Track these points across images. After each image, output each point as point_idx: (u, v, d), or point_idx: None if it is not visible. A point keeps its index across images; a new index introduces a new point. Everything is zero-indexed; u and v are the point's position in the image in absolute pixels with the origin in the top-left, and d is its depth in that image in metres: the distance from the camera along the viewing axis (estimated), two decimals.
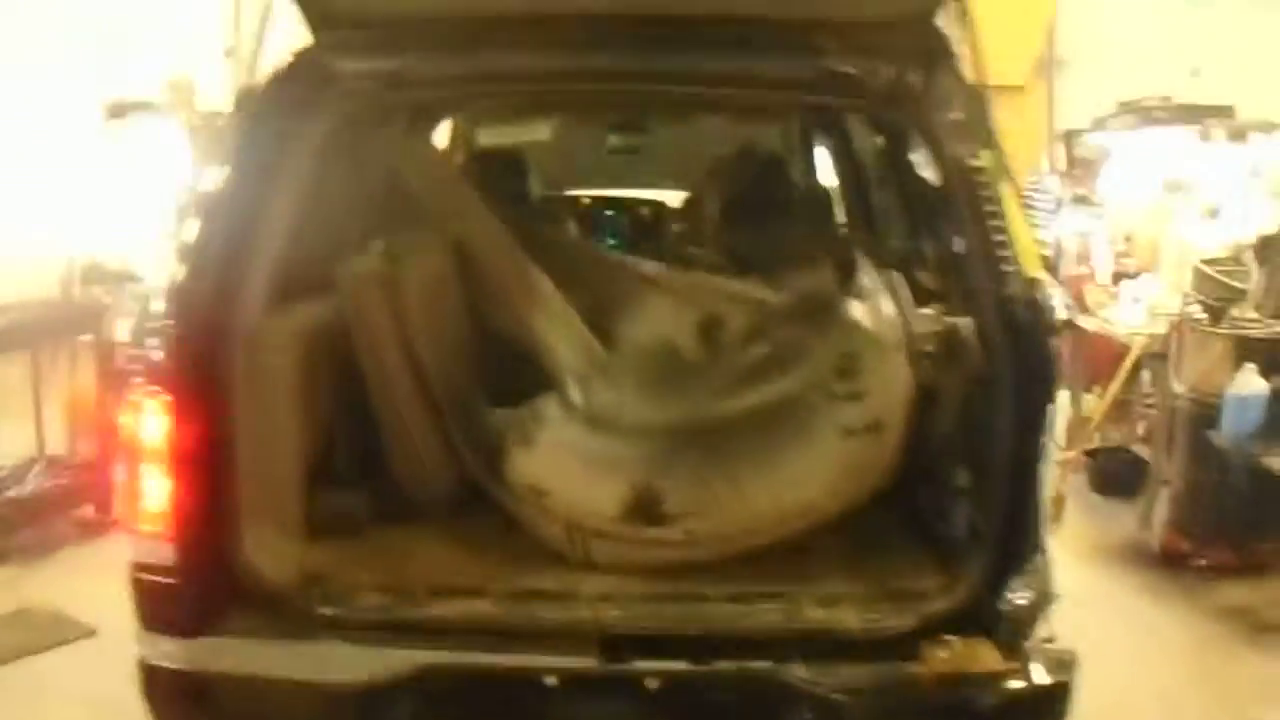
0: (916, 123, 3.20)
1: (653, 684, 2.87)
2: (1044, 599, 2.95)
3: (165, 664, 2.95)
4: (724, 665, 2.90)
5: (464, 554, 3.37)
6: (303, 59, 3.13)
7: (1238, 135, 7.38)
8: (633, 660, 2.92)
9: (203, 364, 3.00)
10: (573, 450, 3.33)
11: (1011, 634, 2.93)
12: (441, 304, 3.64)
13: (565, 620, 3.04)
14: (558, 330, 3.63)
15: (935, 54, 3.10)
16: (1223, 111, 7.97)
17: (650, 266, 4.01)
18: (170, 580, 2.97)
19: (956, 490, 3.22)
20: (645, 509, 3.21)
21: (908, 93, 3.09)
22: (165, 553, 2.96)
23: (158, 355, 3.00)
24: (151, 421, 2.96)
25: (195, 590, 2.98)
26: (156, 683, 2.97)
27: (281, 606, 3.04)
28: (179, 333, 2.96)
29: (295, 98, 3.11)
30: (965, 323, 3.15)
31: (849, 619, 3.00)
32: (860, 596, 3.10)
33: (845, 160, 4.61)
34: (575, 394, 3.44)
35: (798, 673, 2.87)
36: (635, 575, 3.21)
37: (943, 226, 3.31)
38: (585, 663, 2.90)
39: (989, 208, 3.00)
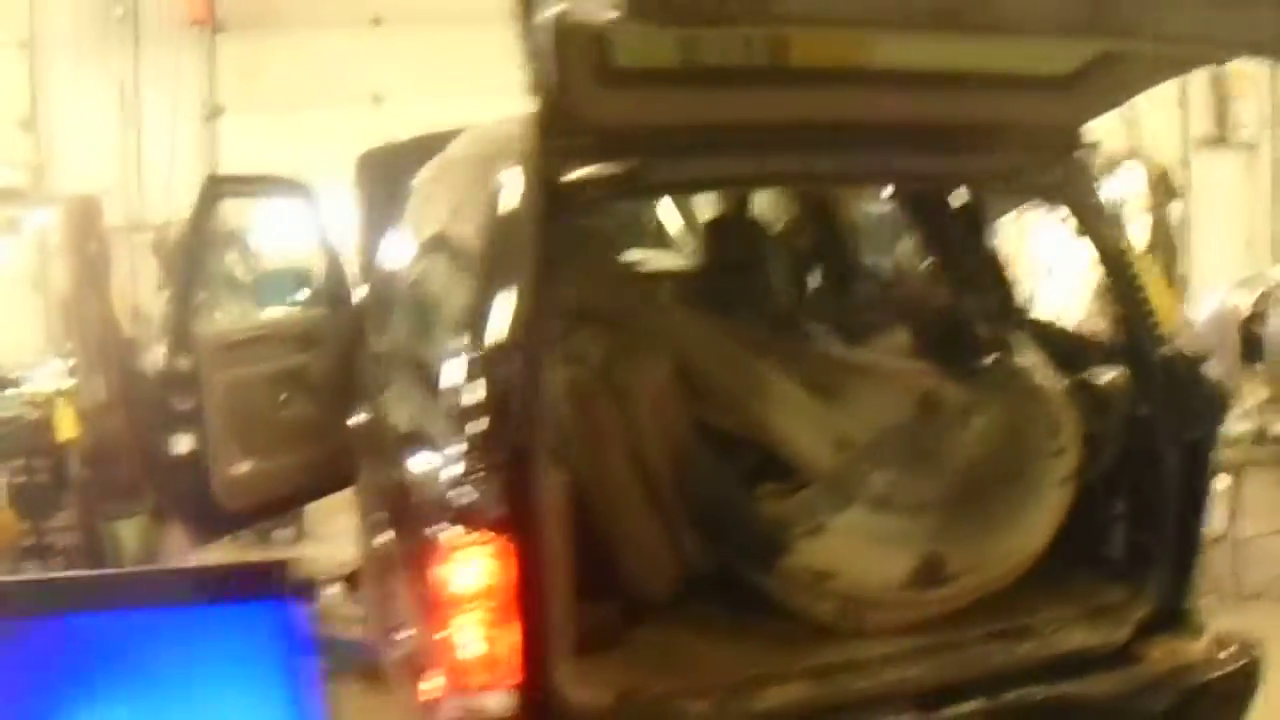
0: (1074, 209, 3.72)
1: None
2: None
3: None
4: (1009, 695, 3.26)
5: (732, 645, 3.44)
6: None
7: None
8: (941, 709, 3.18)
9: (520, 499, 2.87)
10: (861, 533, 3.48)
11: (1198, 629, 3.49)
12: (666, 407, 3.62)
13: (879, 686, 3.24)
14: (800, 425, 3.72)
15: (1083, 154, 3.71)
16: None
17: (859, 354, 4.15)
18: None
19: (1119, 517, 3.70)
20: (931, 575, 3.46)
21: (1070, 185, 3.67)
22: (503, 701, 2.92)
23: (471, 499, 2.83)
24: (477, 568, 2.86)
25: None
26: None
27: None
28: (505, 471, 2.86)
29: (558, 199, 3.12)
30: (1110, 373, 3.61)
31: (1086, 637, 3.44)
32: (1080, 616, 3.48)
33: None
34: (845, 481, 3.51)
35: (1072, 689, 3.29)
36: (908, 635, 3.40)
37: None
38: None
39: (1137, 279, 3.63)
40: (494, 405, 2.95)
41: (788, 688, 3.23)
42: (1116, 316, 3.80)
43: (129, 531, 6.67)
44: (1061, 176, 3.67)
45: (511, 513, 2.89)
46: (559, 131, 3.06)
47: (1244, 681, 3.49)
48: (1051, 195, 3.89)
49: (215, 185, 5.80)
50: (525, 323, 2.99)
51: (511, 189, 3.17)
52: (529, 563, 2.91)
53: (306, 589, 2.02)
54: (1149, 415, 3.58)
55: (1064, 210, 3.80)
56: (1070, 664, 3.38)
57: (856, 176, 3.83)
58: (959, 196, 4.31)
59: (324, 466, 5.84)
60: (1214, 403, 3.63)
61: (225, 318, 6.28)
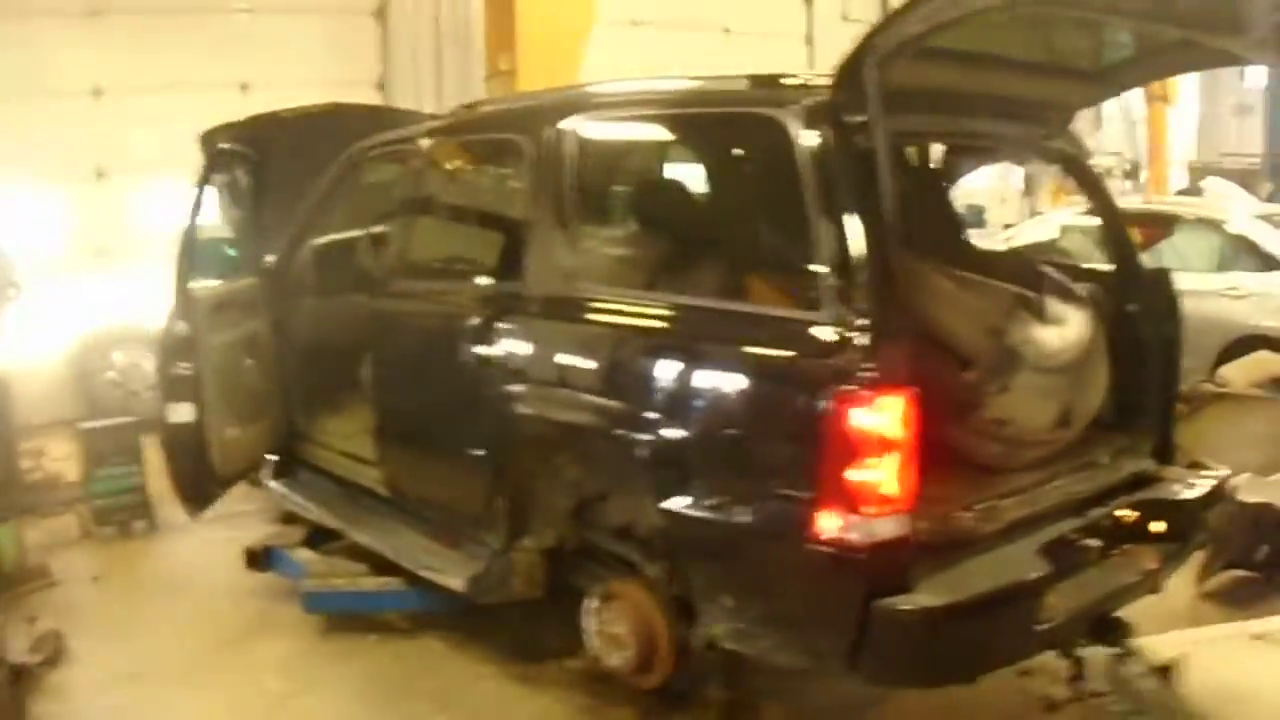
0: (1084, 166, 4.87)
1: (1107, 523, 4.21)
2: None
3: (918, 606, 3.47)
4: (1110, 505, 4.30)
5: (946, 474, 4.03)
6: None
7: None
8: (1086, 512, 4.22)
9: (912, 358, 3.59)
10: (1030, 389, 4.24)
11: (1187, 460, 4.68)
12: None
13: (1049, 501, 4.16)
14: (960, 319, 4.39)
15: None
16: None
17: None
18: (905, 546, 3.53)
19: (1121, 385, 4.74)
20: (1064, 420, 4.36)
21: (1081, 149, 4.83)
22: (900, 524, 3.52)
23: (884, 360, 3.50)
24: (889, 416, 3.48)
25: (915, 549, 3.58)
26: (912, 625, 3.47)
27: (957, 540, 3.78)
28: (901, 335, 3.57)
29: None
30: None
31: (1130, 465, 4.51)
32: (1118, 453, 4.57)
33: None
34: (1011, 354, 4.27)
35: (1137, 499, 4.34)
36: (1043, 468, 4.32)
37: None
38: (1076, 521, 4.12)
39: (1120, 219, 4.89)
40: (885, 284, 3.56)
41: (1012, 506, 4.03)
42: (1110, 246, 4.93)
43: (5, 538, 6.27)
44: (1066, 142, 4.74)
45: (911, 369, 3.51)
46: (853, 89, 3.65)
47: (1220, 493, 4.71)
48: (1056, 156, 4.90)
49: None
50: (885, 222, 3.60)
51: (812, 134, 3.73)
52: (919, 409, 3.52)
53: None
54: (1136, 311, 4.70)
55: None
56: (1127, 485, 4.41)
57: (982, 136, 4.58)
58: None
59: (270, 434, 5.95)
60: (1175, 301, 4.74)
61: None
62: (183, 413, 5.35)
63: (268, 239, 5.98)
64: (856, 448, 3.44)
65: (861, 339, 3.47)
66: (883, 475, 3.45)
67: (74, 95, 10.00)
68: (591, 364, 4.22)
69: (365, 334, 5.50)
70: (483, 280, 4.91)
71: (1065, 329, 4.41)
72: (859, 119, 3.59)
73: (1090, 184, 4.91)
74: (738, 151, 4.34)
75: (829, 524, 3.48)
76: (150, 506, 7.18)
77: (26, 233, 9.32)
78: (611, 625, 4.34)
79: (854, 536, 3.44)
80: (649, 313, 4.18)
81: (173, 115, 9.75)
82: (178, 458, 5.59)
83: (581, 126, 4.52)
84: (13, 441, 7.36)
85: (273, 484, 6.14)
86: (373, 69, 11.68)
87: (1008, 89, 4.34)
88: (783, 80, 4.02)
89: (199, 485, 5.67)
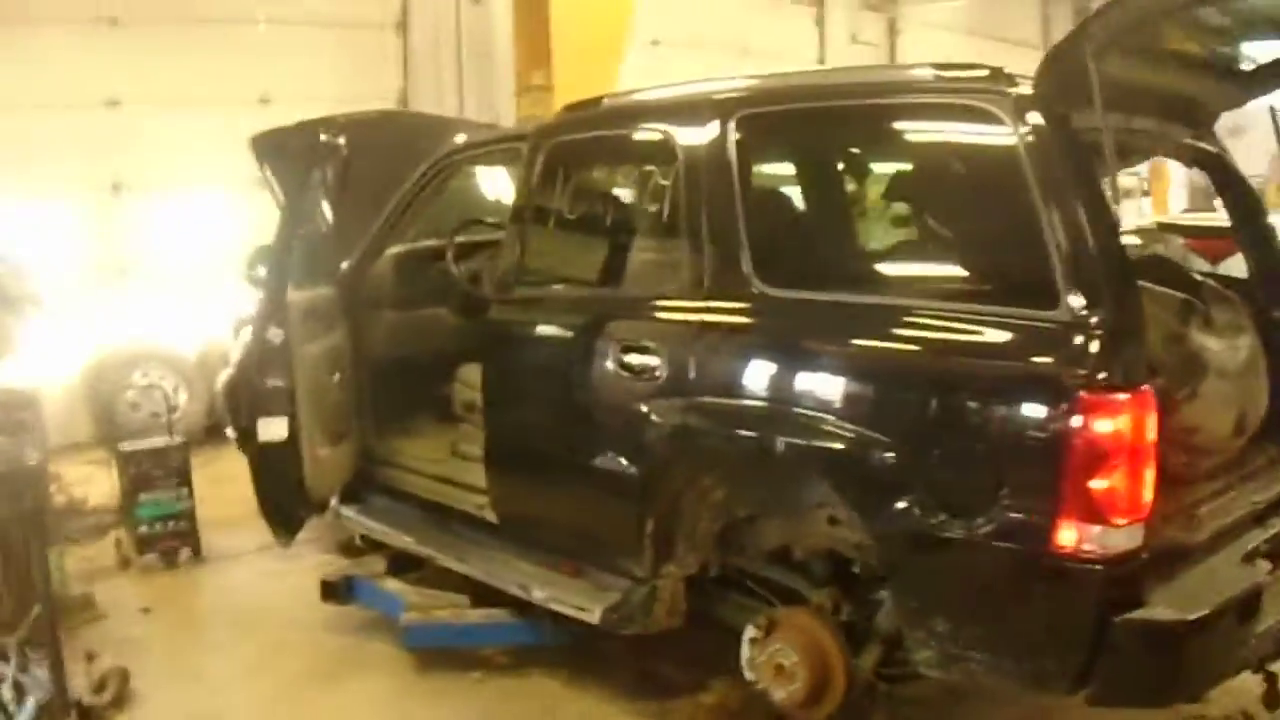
0: (1230, 168, 4.64)
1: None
2: None
3: (1167, 620, 3.24)
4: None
5: None
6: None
7: None
8: (1266, 521, 3.96)
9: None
10: (1215, 397, 3.95)
11: None
12: None
13: (1235, 511, 3.88)
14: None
15: None
16: None
17: None
18: (1141, 558, 3.28)
19: None
20: (1240, 427, 4.07)
21: (1225, 151, 4.61)
22: (1137, 534, 3.25)
23: (1123, 361, 3.23)
24: (1126, 420, 3.20)
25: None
26: (1158, 640, 3.24)
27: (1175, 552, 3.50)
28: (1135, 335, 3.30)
29: None
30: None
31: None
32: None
33: None
34: (1194, 360, 3.97)
35: None
36: (1219, 477, 4.04)
37: None
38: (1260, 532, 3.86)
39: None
40: (1121, 278, 3.32)
41: (1210, 515, 3.76)
42: (1255, 252, 4.66)
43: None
44: (1211, 143, 4.55)
45: (1146, 369, 3.28)
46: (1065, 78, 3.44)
47: None
48: (1198, 157, 4.65)
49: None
50: (1112, 214, 3.40)
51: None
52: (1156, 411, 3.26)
53: None
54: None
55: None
56: None
57: (1139, 133, 4.28)
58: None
59: (355, 455, 5.55)
60: None
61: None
62: (277, 429, 4.89)
63: (346, 243, 5.51)
64: (1101, 454, 3.18)
65: (1101, 337, 3.22)
66: (1126, 483, 3.20)
67: (90, 107, 9.59)
68: (779, 373, 3.87)
69: (473, 349, 5.12)
70: (628, 286, 4.50)
71: (1235, 335, 4.17)
72: (1068, 109, 3.44)
73: (1237, 188, 4.65)
74: (940, 144, 3.96)
75: (1069, 536, 3.22)
76: (197, 534, 6.67)
77: (42, 247, 8.84)
78: (779, 656, 3.98)
79: (1096, 548, 3.20)
80: (846, 315, 3.83)
81: (191, 128, 9.62)
82: (271, 479, 5.13)
83: (752, 119, 4.15)
84: (45, 463, 6.82)
85: (345, 510, 5.67)
86: (394, 83, 11.35)
87: (1164, 84, 4.10)
88: (971, 70, 3.75)
89: (292, 509, 5.20)
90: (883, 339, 3.66)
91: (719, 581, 4.41)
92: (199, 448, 7.31)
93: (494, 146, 5.39)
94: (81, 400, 9.34)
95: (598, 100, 4.79)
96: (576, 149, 4.82)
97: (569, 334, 4.52)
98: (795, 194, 4.84)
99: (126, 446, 6.69)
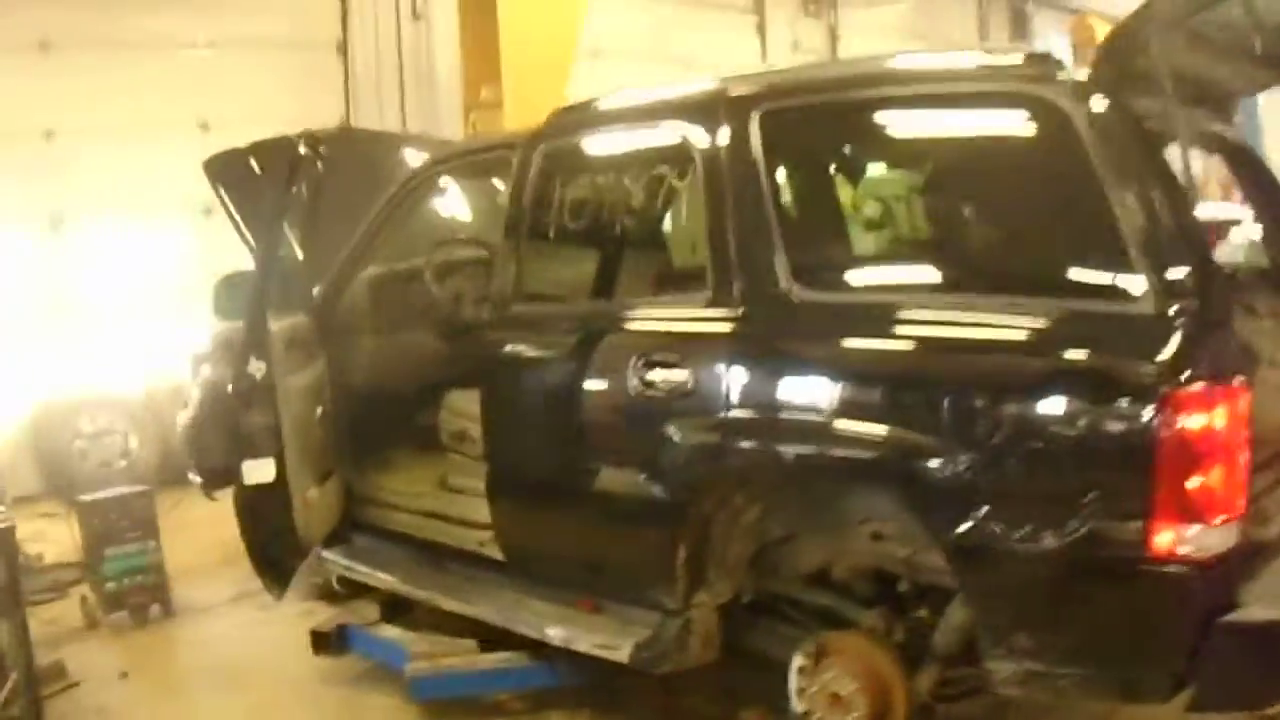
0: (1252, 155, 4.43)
1: None
2: None
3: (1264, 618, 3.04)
4: None
5: None
6: None
7: None
8: None
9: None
10: (1271, 385, 3.64)
11: None
12: None
13: None
14: None
15: None
16: None
17: None
18: (1235, 557, 3.08)
19: None
20: None
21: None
22: (1231, 534, 3.04)
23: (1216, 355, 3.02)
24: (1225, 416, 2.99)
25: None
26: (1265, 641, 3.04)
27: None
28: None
29: None
30: None
31: None
32: None
33: None
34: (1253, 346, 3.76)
35: None
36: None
37: None
38: None
39: None
40: (1205, 264, 3.12)
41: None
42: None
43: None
44: (1233, 131, 4.34)
45: (1238, 357, 3.09)
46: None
47: None
48: (1221, 145, 4.41)
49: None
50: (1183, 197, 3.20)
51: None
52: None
53: None
54: None
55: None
56: None
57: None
58: None
59: (341, 494, 5.21)
60: None
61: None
62: (264, 471, 4.51)
63: (318, 267, 5.16)
64: (1196, 452, 2.95)
65: (1187, 327, 2.99)
66: (1222, 480, 2.99)
67: (24, 137, 9.09)
68: (824, 383, 3.58)
69: (465, 374, 4.80)
70: (643, 299, 4.20)
71: (1277, 322, 3.96)
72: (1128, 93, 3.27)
73: (1260, 176, 4.42)
74: (994, 134, 3.69)
75: (1165, 538, 2.99)
76: (167, 588, 6.26)
77: None
78: (835, 684, 3.69)
79: (1193, 550, 2.98)
80: (904, 316, 3.52)
81: (131, 157, 9.20)
82: (259, 526, 4.75)
83: (779, 114, 3.87)
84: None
85: (327, 553, 5.30)
86: (335, 104, 10.95)
87: (1199, 67, 3.83)
88: (1014, 54, 3.58)
89: (284, 558, 4.82)
90: (946, 340, 3.39)
91: (750, 608, 4.14)
92: (155, 493, 6.87)
93: (478, 156, 5.04)
94: (26, 450, 8.83)
95: (592, 101, 4.48)
96: (576, 154, 4.52)
97: (579, 352, 4.18)
98: (831, 192, 4.53)
99: (86, 498, 6.25)
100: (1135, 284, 3.05)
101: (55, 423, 8.97)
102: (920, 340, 3.45)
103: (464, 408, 5.02)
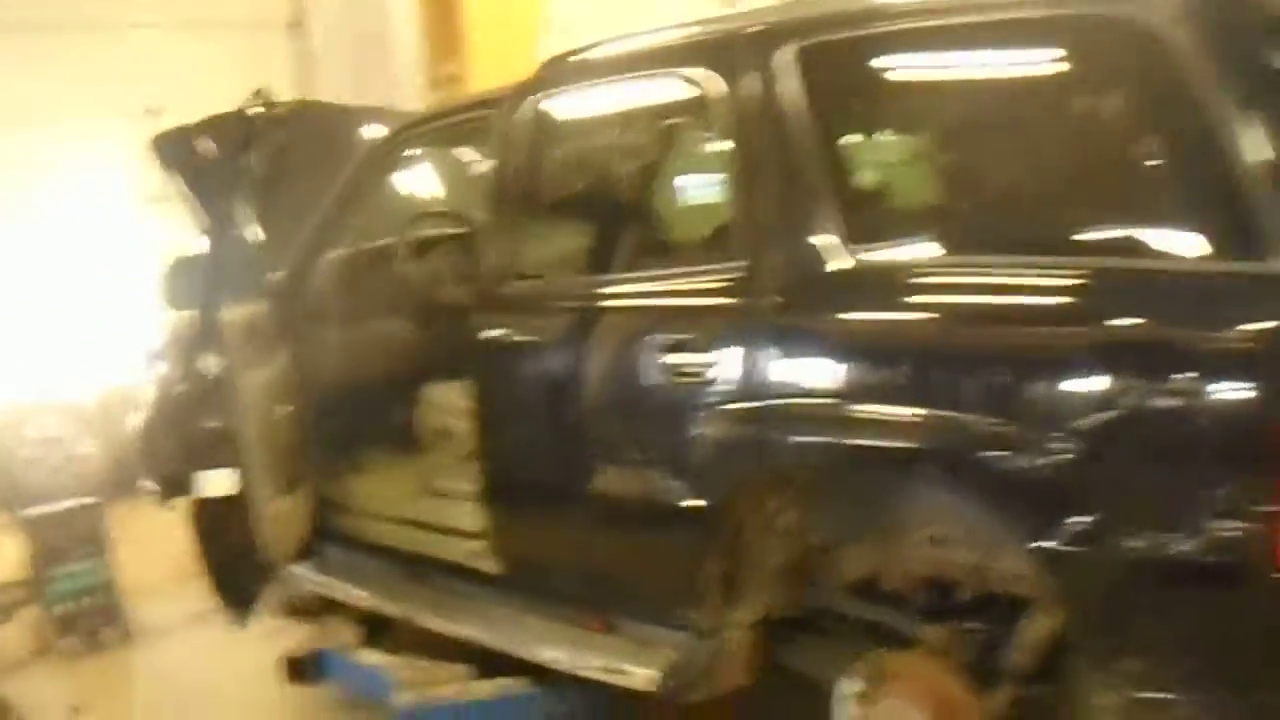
0: None
1: None
2: None
3: None
4: None
5: None
6: None
7: None
8: None
9: None
10: None
11: None
12: None
13: None
14: None
15: None
16: None
17: None
18: None
19: None
20: None
21: None
22: None
23: None
24: None
25: None
26: None
27: None
28: None
29: None
30: None
31: None
32: None
33: None
34: None
35: None
36: None
37: None
38: None
39: None
40: None
41: None
42: None
43: None
44: None
45: None
46: None
47: None
48: None
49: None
50: None
51: None
52: None
53: None
54: None
55: None
56: None
57: None
58: None
59: (311, 503, 4.66)
60: None
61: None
62: (222, 482, 3.93)
63: (278, 249, 4.60)
64: None
65: None
66: None
67: None
68: (886, 363, 3.04)
69: (449, 364, 4.28)
70: (663, 271, 3.66)
71: None
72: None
73: None
74: (1081, 64, 3.14)
75: None
76: (121, 608, 5.68)
77: None
78: (901, 713, 3.18)
79: None
80: (978, 283, 2.98)
81: (72, 146, 8.52)
82: (218, 545, 4.17)
83: (824, 49, 3.32)
84: None
85: (295, 568, 4.74)
86: (290, 87, 10.34)
87: None
88: None
89: (247, 579, 4.25)
90: (1032, 311, 2.86)
91: (787, 624, 3.59)
92: (110, 504, 6.27)
93: (454, 119, 4.47)
94: None
95: (591, 47, 3.92)
96: (572, 109, 3.98)
97: (582, 335, 3.65)
98: (885, 140, 3.93)
99: (31, 512, 5.65)
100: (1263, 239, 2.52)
101: (2, 433, 8.31)
102: (999, 312, 2.92)
103: (446, 401, 4.49)
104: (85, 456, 8.30)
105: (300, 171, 4.72)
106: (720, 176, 3.49)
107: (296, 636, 4.87)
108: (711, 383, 3.26)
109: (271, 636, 5.11)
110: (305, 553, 4.79)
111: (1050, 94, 3.20)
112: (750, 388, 3.20)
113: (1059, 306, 2.84)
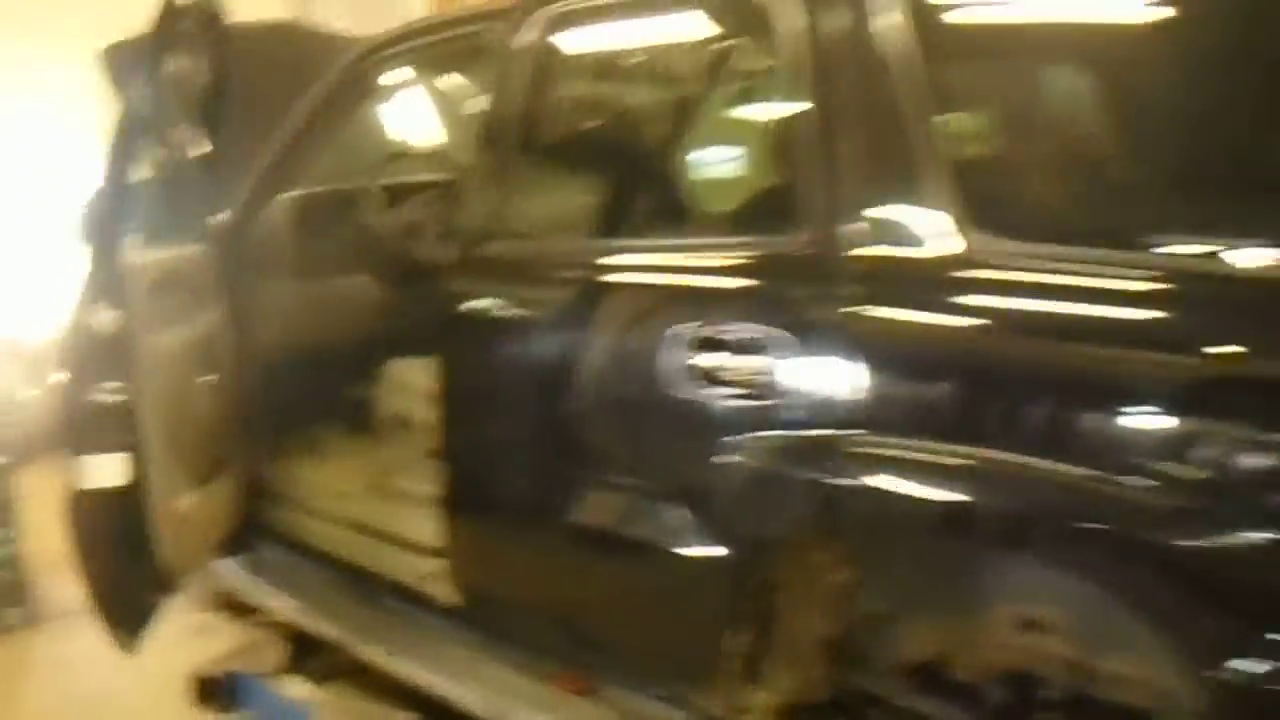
0: None
1: None
2: None
3: None
4: None
5: None
6: None
7: None
8: None
9: None
10: None
11: None
12: None
13: None
14: None
15: None
16: None
17: None
18: None
19: None
20: None
21: None
22: None
23: None
24: None
25: None
26: None
27: None
28: None
29: None
30: None
31: None
32: None
33: None
34: None
35: None
36: None
37: None
38: None
39: None
40: None
41: None
42: None
43: None
44: None
45: None
46: None
47: None
48: None
49: None
50: None
51: None
52: None
53: None
54: None
55: None
56: None
57: None
58: None
59: (238, 494, 3.83)
60: None
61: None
62: (108, 471, 3.09)
63: (221, 185, 3.75)
64: None
65: None
66: None
67: None
68: (1020, 390, 2.17)
69: (415, 336, 3.44)
70: (697, 239, 2.91)
71: None
72: None
73: None
74: None
75: None
76: (26, 586, 4.85)
77: None
78: None
79: None
80: (1152, 280, 2.12)
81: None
82: (100, 549, 3.32)
83: None
84: None
85: (222, 565, 3.94)
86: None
87: None
88: None
89: (135, 593, 3.41)
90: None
91: (819, 709, 2.71)
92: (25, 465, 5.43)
93: (443, 35, 3.61)
94: None
95: None
96: (591, 29, 3.12)
97: (586, 315, 2.81)
98: (1021, 88, 2.98)
99: None
100: None
101: None
102: (1189, 333, 2.05)
103: (409, 380, 3.68)
104: (24, 404, 7.42)
105: (275, 104, 3.86)
106: (781, 123, 2.62)
107: (217, 642, 4.15)
108: (753, 395, 2.42)
109: (191, 636, 4.34)
110: (234, 546, 3.98)
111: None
112: (808, 407, 2.36)
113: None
